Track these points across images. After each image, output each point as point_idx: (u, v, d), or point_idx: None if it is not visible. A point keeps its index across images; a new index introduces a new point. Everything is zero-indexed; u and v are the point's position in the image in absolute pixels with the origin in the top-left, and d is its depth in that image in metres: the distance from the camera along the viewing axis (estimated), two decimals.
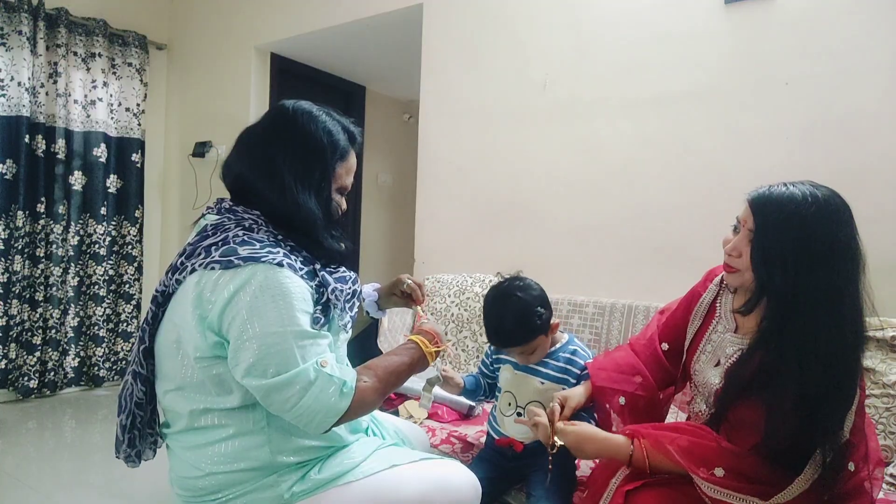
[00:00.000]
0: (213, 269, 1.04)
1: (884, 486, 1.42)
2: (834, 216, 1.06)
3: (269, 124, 1.18)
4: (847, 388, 1.05)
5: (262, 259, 1.04)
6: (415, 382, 2.01)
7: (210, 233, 1.11)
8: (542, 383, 1.49)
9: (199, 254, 1.07)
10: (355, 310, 1.22)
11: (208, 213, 1.18)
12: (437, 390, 1.98)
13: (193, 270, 1.07)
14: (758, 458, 1.07)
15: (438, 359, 1.32)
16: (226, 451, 1.08)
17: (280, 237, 1.12)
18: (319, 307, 1.10)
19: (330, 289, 1.12)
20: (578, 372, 1.49)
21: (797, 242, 1.06)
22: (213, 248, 1.07)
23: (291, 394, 1.00)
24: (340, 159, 1.18)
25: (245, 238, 1.07)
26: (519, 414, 1.50)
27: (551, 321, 1.48)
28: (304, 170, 1.13)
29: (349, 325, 1.20)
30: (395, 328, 2.39)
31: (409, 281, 1.44)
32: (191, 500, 1.14)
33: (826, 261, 1.04)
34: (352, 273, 1.23)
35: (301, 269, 1.09)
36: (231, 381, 1.07)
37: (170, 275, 1.11)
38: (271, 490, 1.10)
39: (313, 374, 1.02)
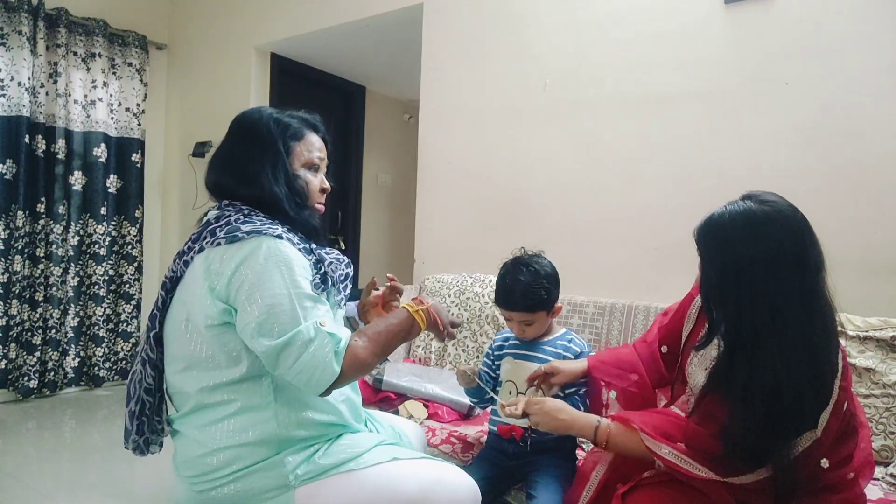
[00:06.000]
0: (219, 244, 1.14)
1: (883, 485, 1.43)
2: (767, 229, 1.04)
3: (227, 134, 1.32)
4: (811, 393, 1.03)
5: (265, 231, 1.14)
6: (414, 384, 2.02)
7: (213, 221, 1.20)
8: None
9: (205, 237, 1.17)
10: (348, 290, 1.29)
11: (211, 210, 1.28)
12: (438, 391, 1.99)
13: (201, 250, 1.16)
14: (720, 443, 1.06)
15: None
16: (233, 427, 1.14)
17: (275, 221, 1.21)
18: (319, 276, 1.19)
19: (327, 262, 1.21)
20: (573, 358, 1.56)
21: (728, 268, 1.06)
22: (218, 229, 1.17)
23: (293, 350, 1.07)
24: (294, 138, 1.29)
25: (246, 219, 1.18)
26: None
27: (556, 303, 1.57)
28: (258, 153, 1.25)
29: (342, 303, 1.27)
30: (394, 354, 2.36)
31: (379, 286, 1.50)
32: (197, 480, 1.17)
33: (768, 278, 1.02)
34: (345, 257, 1.31)
35: (298, 244, 1.18)
36: (240, 349, 1.14)
37: (177, 260, 1.21)
38: (277, 470, 1.14)
39: (313, 331, 1.09)
